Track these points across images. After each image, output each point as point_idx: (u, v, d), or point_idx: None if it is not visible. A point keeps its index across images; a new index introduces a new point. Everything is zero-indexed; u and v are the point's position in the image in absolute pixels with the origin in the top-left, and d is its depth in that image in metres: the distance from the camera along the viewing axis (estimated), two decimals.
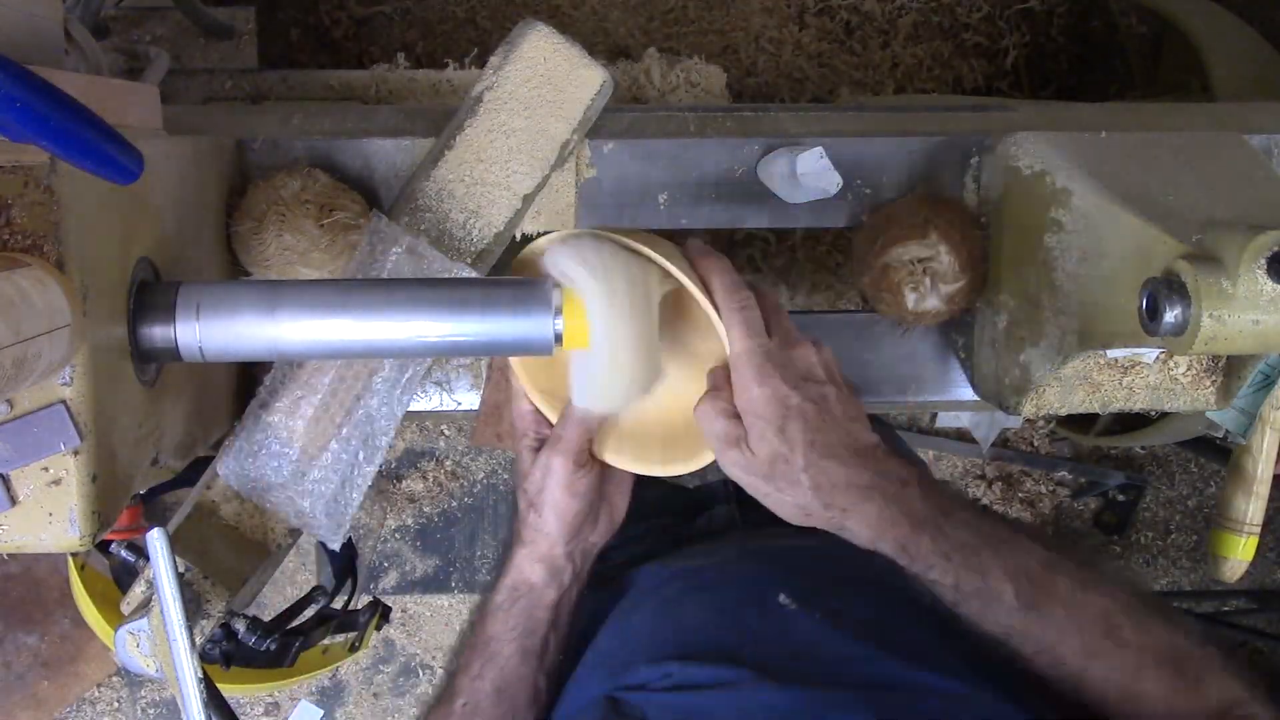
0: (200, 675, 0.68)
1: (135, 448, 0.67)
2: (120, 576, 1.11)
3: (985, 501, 2.22)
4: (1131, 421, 1.67)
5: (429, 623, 2.24)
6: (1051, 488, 2.23)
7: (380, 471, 1.98)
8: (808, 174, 0.88)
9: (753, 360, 0.65)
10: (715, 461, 0.69)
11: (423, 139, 0.87)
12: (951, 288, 0.87)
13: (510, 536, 0.77)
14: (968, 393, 0.97)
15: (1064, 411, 0.87)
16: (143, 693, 2.19)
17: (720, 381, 0.68)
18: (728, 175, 0.91)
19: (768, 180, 0.90)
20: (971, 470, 2.24)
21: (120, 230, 0.64)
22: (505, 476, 2.19)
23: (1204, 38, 1.45)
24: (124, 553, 0.77)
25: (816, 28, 1.94)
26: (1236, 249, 0.61)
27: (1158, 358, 0.84)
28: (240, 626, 0.77)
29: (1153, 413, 0.92)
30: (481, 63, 0.92)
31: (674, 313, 0.73)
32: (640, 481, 0.78)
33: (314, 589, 0.90)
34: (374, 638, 1.11)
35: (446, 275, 0.81)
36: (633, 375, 0.66)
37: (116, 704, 2.20)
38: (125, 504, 0.66)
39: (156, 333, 0.65)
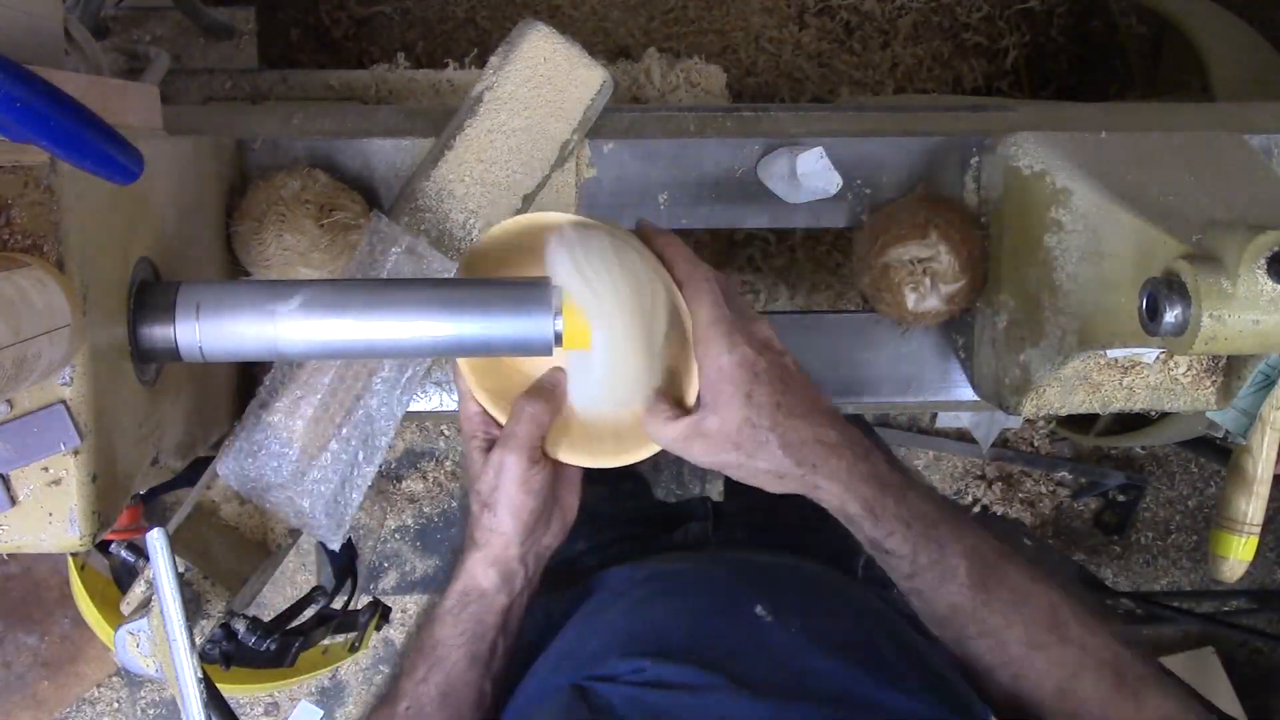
0: (200, 675, 0.68)
1: (135, 448, 0.67)
2: (120, 576, 1.11)
3: (985, 501, 2.22)
4: (1131, 421, 1.67)
5: None
6: (1051, 488, 2.23)
7: (380, 471, 1.98)
8: (808, 174, 0.88)
9: (720, 330, 0.65)
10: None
11: (423, 139, 0.87)
12: (951, 288, 0.87)
13: (461, 541, 0.76)
14: (968, 393, 0.97)
15: (1064, 411, 0.87)
16: (143, 693, 2.19)
17: (652, 399, 0.69)
18: (728, 175, 0.91)
19: (768, 180, 0.90)
20: (971, 470, 2.24)
21: (120, 230, 0.64)
22: None
23: (1204, 38, 1.45)
24: (124, 553, 0.77)
25: (816, 28, 1.94)
26: (1236, 249, 0.61)
27: (1158, 358, 0.84)
28: (240, 626, 0.77)
29: (1153, 413, 0.92)
30: (481, 63, 0.92)
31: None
32: (606, 487, 0.78)
33: (314, 589, 0.90)
34: (374, 638, 1.11)
35: (446, 275, 0.81)
36: (636, 375, 0.66)
37: (116, 704, 2.20)
38: (125, 504, 0.66)
39: (156, 333, 0.65)
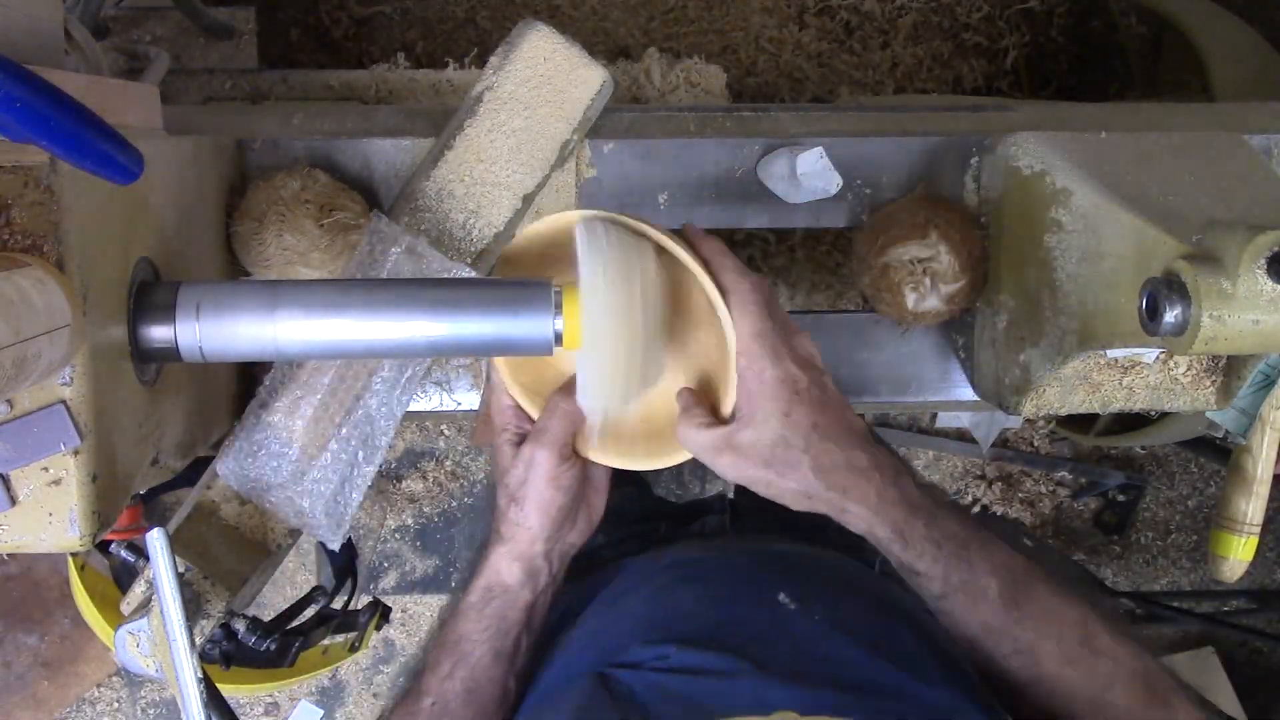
0: (200, 675, 0.68)
1: (135, 448, 0.67)
2: (120, 576, 1.11)
3: (985, 501, 2.22)
4: (1131, 421, 1.67)
5: (429, 623, 2.24)
6: (1051, 488, 2.23)
7: (380, 471, 1.98)
8: (808, 174, 0.88)
9: (766, 343, 0.64)
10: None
11: (423, 139, 0.87)
12: (951, 288, 0.87)
13: (487, 535, 0.76)
14: (968, 393, 0.97)
15: (1064, 411, 0.87)
16: (143, 693, 2.19)
17: (689, 402, 0.69)
18: (728, 175, 0.91)
19: (768, 180, 0.90)
20: (971, 470, 2.24)
21: (120, 230, 0.64)
22: None
23: (1204, 38, 1.45)
24: (124, 553, 0.77)
25: (816, 28, 1.94)
26: (1236, 249, 0.61)
27: (1158, 358, 0.84)
28: (240, 626, 0.77)
29: (1153, 413, 0.92)
30: (481, 63, 0.92)
31: (659, 292, 0.72)
32: (633, 487, 0.78)
33: (314, 589, 0.90)
34: (374, 638, 1.11)
35: (446, 275, 0.81)
36: (635, 373, 0.66)
37: (116, 704, 2.20)
38: (125, 504, 0.66)
39: (156, 333, 0.65)
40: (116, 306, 0.63)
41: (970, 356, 0.95)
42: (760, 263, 1.74)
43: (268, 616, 0.82)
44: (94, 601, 1.36)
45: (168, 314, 0.64)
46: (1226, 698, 2.16)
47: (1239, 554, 1.01)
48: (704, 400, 0.69)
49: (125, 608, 0.75)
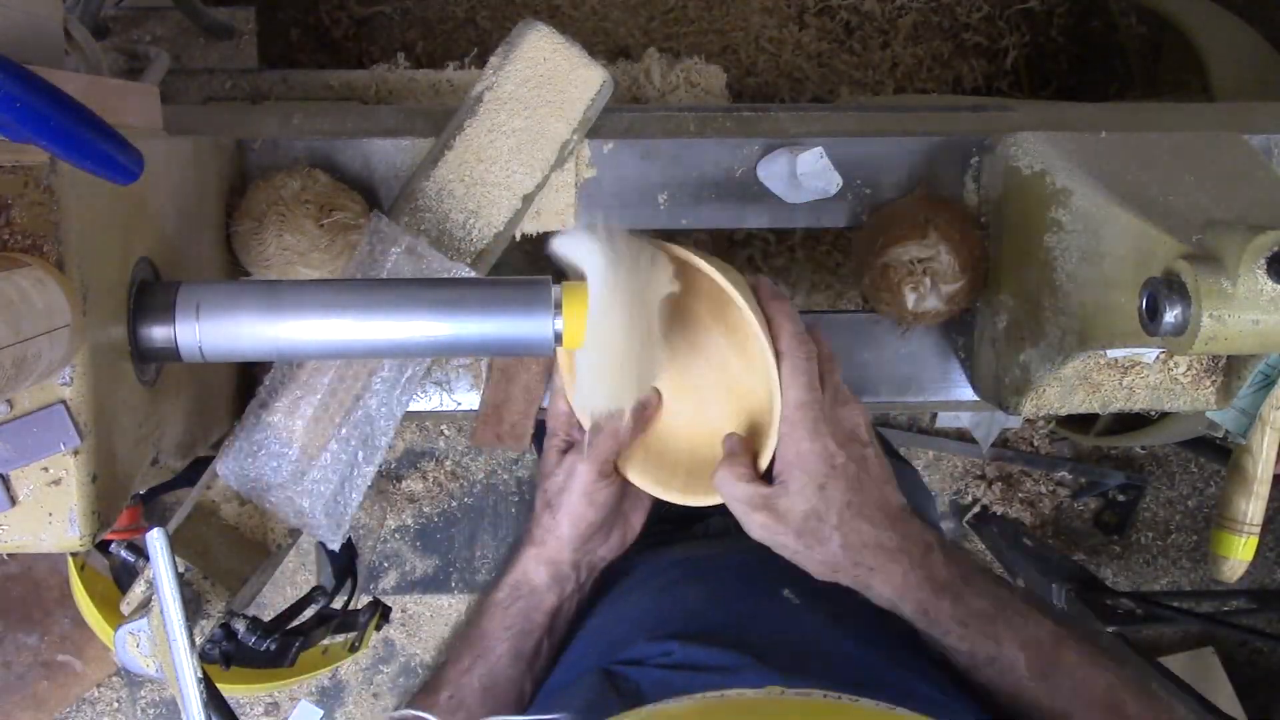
0: (200, 675, 0.68)
1: (135, 448, 0.67)
2: (120, 576, 1.11)
3: (985, 501, 2.22)
4: (1131, 421, 1.67)
5: (429, 623, 2.24)
6: (1051, 488, 2.23)
7: (380, 471, 1.97)
8: (808, 174, 0.88)
9: (808, 415, 0.65)
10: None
11: (423, 139, 0.87)
12: (951, 288, 0.87)
13: (520, 534, 0.77)
14: (968, 393, 0.97)
15: (1064, 411, 0.87)
16: (143, 693, 2.19)
17: (735, 448, 0.69)
18: (728, 175, 0.91)
19: (768, 180, 0.90)
20: (971, 470, 2.24)
21: (120, 230, 0.64)
22: (505, 477, 2.19)
23: (1204, 38, 1.45)
24: (124, 553, 0.77)
25: (816, 28, 1.94)
26: (1236, 249, 0.61)
27: (1158, 358, 0.84)
28: (240, 626, 0.77)
29: (1153, 413, 0.92)
30: (481, 63, 0.92)
31: (723, 335, 0.72)
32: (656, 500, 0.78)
33: (314, 589, 0.90)
34: (374, 638, 1.11)
35: (446, 275, 0.81)
36: (629, 377, 0.66)
37: (116, 704, 2.20)
38: (125, 504, 0.66)
39: (156, 333, 0.65)
40: (116, 306, 0.63)
41: (970, 356, 0.95)
42: (760, 263, 1.74)
43: (268, 616, 0.82)
44: (94, 601, 1.36)
45: (168, 314, 0.64)
46: (1226, 698, 2.16)
47: (1239, 554, 1.01)
48: (748, 449, 0.69)
49: (125, 608, 0.75)
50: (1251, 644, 2.27)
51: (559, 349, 0.66)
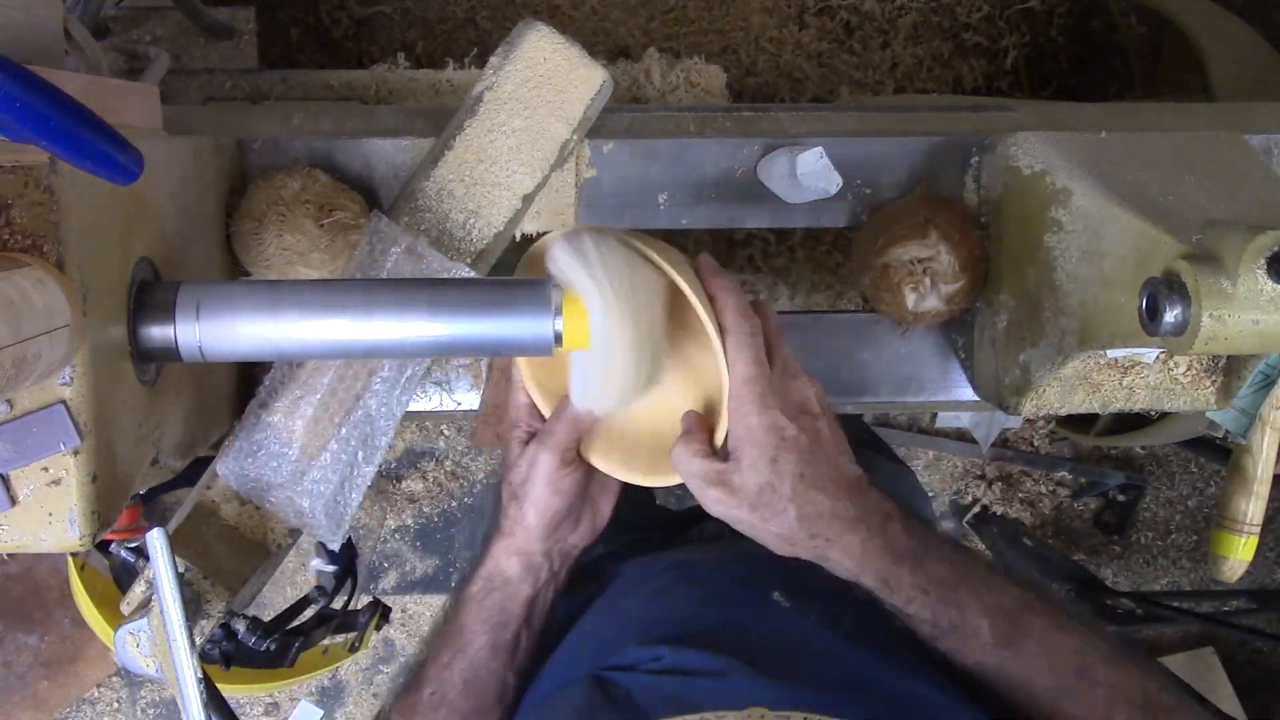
0: (200, 675, 0.68)
1: (135, 448, 0.67)
2: (120, 576, 1.11)
3: (985, 501, 2.22)
4: (1131, 421, 1.67)
5: (429, 623, 2.24)
6: (1051, 488, 2.23)
7: (380, 471, 1.97)
8: (808, 174, 0.88)
9: (754, 389, 0.65)
10: None
11: (423, 139, 0.87)
12: (951, 288, 0.87)
13: (490, 528, 0.77)
14: (968, 393, 0.97)
15: (1064, 411, 0.87)
16: (143, 693, 2.19)
17: (693, 425, 0.69)
18: (728, 175, 0.91)
19: (768, 180, 0.90)
20: (971, 470, 2.24)
21: (120, 230, 0.64)
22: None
23: (1204, 38, 1.45)
24: (124, 553, 0.77)
25: (816, 28, 1.94)
26: (1236, 249, 0.61)
27: (1158, 358, 0.84)
28: (240, 626, 0.77)
29: (1153, 413, 0.92)
30: (481, 63, 0.92)
31: (674, 322, 0.73)
32: (632, 496, 0.78)
33: (314, 589, 0.90)
34: (374, 638, 1.11)
35: (446, 275, 0.81)
36: (630, 377, 0.66)
37: (116, 704, 2.20)
38: (125, 504, 0.66)
39: (156, 333, 0.65)
40: (116, 306, 0.63)
41: (970, 356, 0.95)
42: (760, 263, 1.74)
43: (268, 616, 0.82)
44: (94, 601, 1.36)
45: (168, 314, 0.64)
46: (1226, 698, 2.16)
47: (1239, 554, 1.01)
48: (705, 427, 0.69)
49: (125, 608, 0.75)
50: (1251, 644, 2.27)
51: None
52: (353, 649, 1.13)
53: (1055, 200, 0.79)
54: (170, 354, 0.65)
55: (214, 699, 0.73)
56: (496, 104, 0.85)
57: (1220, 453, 1.78)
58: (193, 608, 0.74)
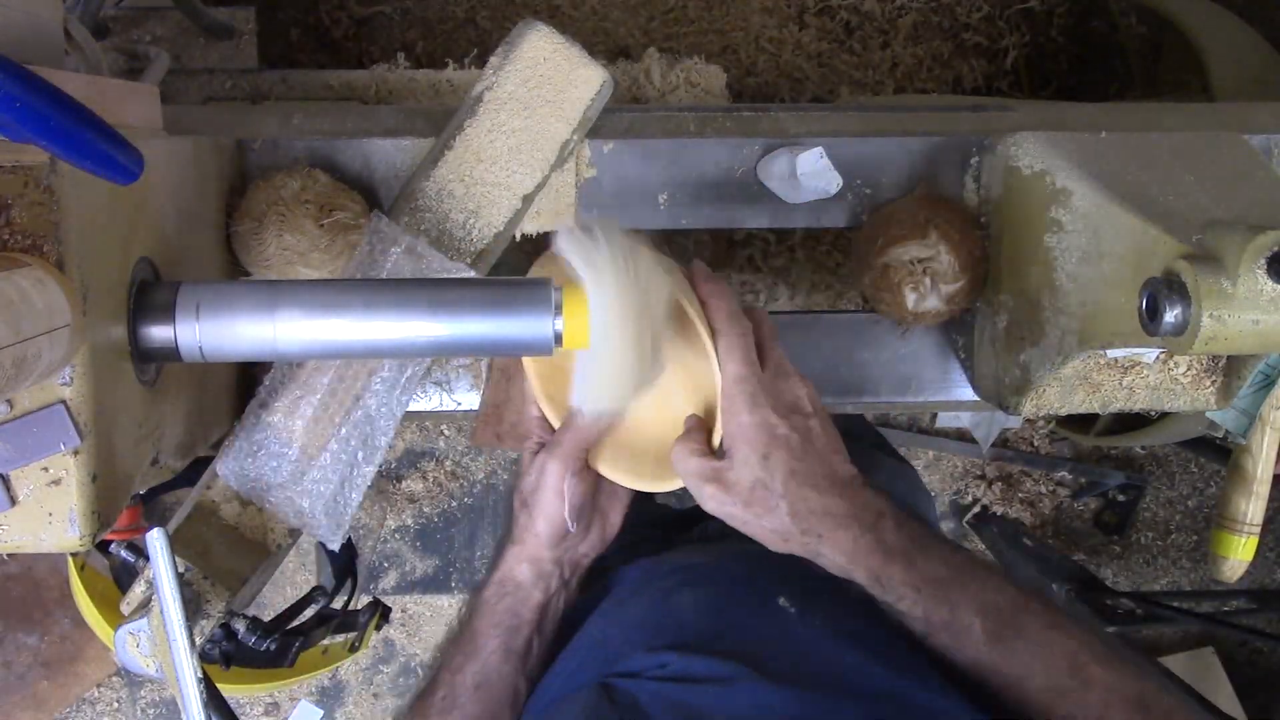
0: (200, 675, 0.68)
1: (135, 448, 0.67)
2: (120, 576, 1.11)
3: (985, 501, 2.22)
4: (1131, 421, 1.67)
5: (429, 623, 2.24)
6: (1051, 488, 2.23)
7: (380, 471, 1.97)
8: (808, 174, 0.88)
9: (745, 388, 0.66)
10: None
11: (423, 139, 0.87)
12: (951, 288, 0.87)
13: (503, 534, 0.78)
14: (968, 393, 0.97)
15: (1064, 411, 0.87)
16: (143, 693, 2.19)
17: (693, 426, 0.70)
18: (728, 175, 0.91)
19: (768, 180, 0.90)
20: (971, 470, 2.24)
21: (120, 230, 0.64)
22: (505, 476, 2.19)
23: (1204, 38, 1.45)
24: (124, 553, 0.77)
25: (816, 28, 1.94)
26: (1236, 249, 0.61)
27: (1158, 358, 0.84)
28: (240, 626, 0.77)
29: (1153, 413, 0.92)
30: (481, 63, 0.92)
31: (676, 330, 0.73)
32: (636, 497, 0.79)
33: (314, 589, 0.90)
34: (374, 638, 1.11)
35: (446, 275, 0.81)
36: (628, 373, 0.66)
37: (116, 704, 2.20)
38: (125, 504, 0.66)
39: (156, 333, 0.65)
40: (116, 306, 0.63)
41: (970, 356, 0.95)
42: (760, 263, 1.74)
43: (268, 616, 0.82)
44: (94, 601, 1.36)
45: (168, 314, 0.64)
46: (1226, 698, 2.16)
47: (1239, 554, 1.02)
48: (705, 428, 0.70)
49: (125, 608, 0.75)
50: (1251, 644, 2.27)
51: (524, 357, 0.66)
52: (353, 649, 1.13)
53: (1055, 200, 0.79)
54: (170, 354, 0.65)
55: (214, 699, 0.73)
56: (496, 104, 0.85)
57: (1220, 453, 1.78)
58: (193, 608, 0.74)
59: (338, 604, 0.97)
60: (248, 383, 0.88)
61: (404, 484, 2.17)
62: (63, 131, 0.50)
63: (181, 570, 0.72)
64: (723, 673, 0.63)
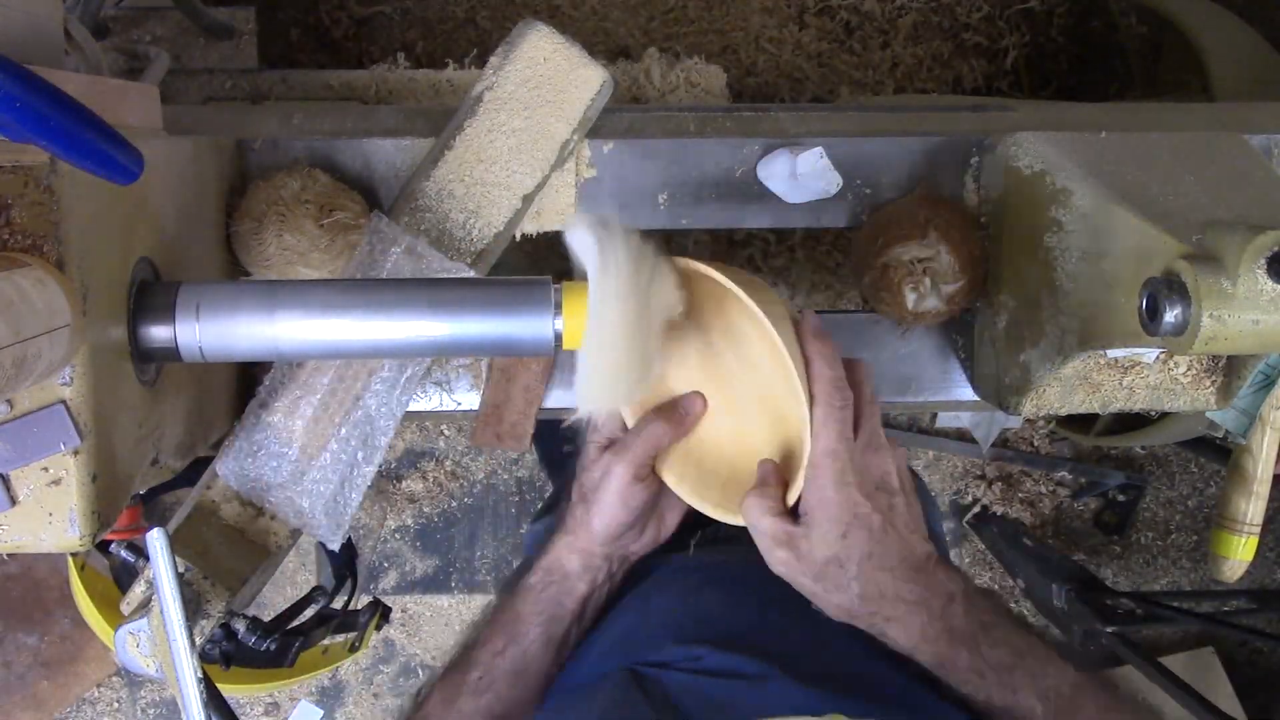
0: (200, 675, 0.68)
1: (135, 448, 0.67)
2: (120, 576, 1.11)
3: (985, 501, 2.22)
4: (1131, 421, 1.67)
5: (429, 623, 2.24)
6: (1051, 488, 2.23)
7: (380, 471, 1.97)
8: (808, 174, 0.88)
9: (835, 464, 0.65)
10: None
11: (423, 139, 0.87)
12: (951, 288, 0.87)
13: (556, 519, 0.78)
14: (968, 393, 0.97)
15: (1064, 411, 0.87)
16: (143, 693, 2.19)
17: (769, 476, 0.69)
18: (728, 175, 0.91)
19: (768, 180, 0.90)
20: (971, 470, 2.24)
21: (120, 230, 0.64)
22: (505, 477, 2.19)
23: (1204, 38, 1.45)
24: (124, 553, 0.77)
25: (816, 28, 1.94)
26: (1236, 249, 0.61)
27: (1158, 358, 0.84)
28: (240, 626, 0.77)
29: (1153, 413, 0.92)
30: (481, 63, 0.92)
31: (768, 364, 0.72)
32: None
33: (314, 589, 0.90)
34: (374, 638, 1.11)
35: (446, 275, 0.81)
36: (628, 379, 0.66)
37: (116, 704, 2.20)
38: (125, 504, 0.66)
39: (156, 333, 0.65)
40: (116, 306, 0.63)
41: (970, 356, 0.95)
42: (760, 263, 1.74)
43: (268, 616, 0.82)
44: (94, 601, 1.36)
45: (167, 314, 0.64)
46: (1226, 698, 2.16)
47: (1239, 554, 1.01)
48: (779, 480, 0.69)
49: (125, 608, 0.75)
50: (1251, 644, 2.27)
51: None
52: (353, 649, 1.13)
53: (1055, 200, 0.79)
54: (170, 354, 0.65)
55: (214, 699, 0.73)
56: (496, 104, 0.85)
57: (1220, 453, 1.78)
58: (193, 608, 0.74)
59: (338, 604, 0.97)
60: (248, 383, 0.88)
61: (404, 484, 2.17)
62: (63, 131, 0.50)
63: (181, 570, 0.72)
64: (754, 670, 0.64)
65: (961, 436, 2.17)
